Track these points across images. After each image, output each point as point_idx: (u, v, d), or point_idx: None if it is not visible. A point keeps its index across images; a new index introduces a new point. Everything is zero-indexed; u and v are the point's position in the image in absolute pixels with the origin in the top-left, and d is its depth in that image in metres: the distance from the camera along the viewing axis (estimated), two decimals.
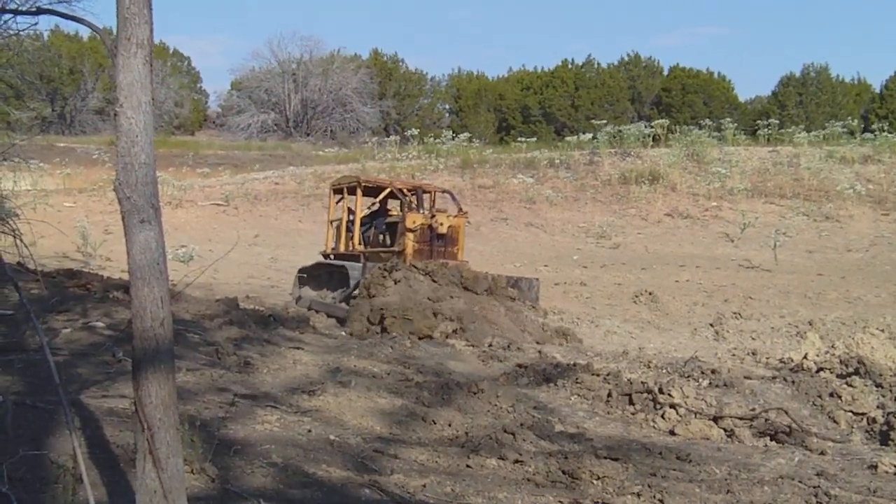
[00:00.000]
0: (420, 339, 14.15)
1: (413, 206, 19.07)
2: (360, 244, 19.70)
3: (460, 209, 19.65)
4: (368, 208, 20.82)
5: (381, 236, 20.13)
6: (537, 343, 15.03)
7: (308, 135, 76.77)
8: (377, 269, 16.58)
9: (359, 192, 19.75)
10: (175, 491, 4.14)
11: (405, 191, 19.65)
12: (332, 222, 21.15)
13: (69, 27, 79.17)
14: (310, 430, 7.34)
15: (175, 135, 71.19)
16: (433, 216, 18.70)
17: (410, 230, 18.41)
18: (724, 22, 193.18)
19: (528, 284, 18.77)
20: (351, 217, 20.14)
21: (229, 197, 37.17)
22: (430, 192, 20.39)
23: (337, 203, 21.04)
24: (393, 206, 20.66)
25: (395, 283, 16.05)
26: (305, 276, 20.39)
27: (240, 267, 24.63)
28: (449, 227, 18.83)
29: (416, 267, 16.73)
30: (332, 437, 7.27)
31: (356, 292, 17.37)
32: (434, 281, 16.39)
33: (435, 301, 15.65)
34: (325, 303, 18.53)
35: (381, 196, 20.26)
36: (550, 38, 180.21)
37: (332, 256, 20.40)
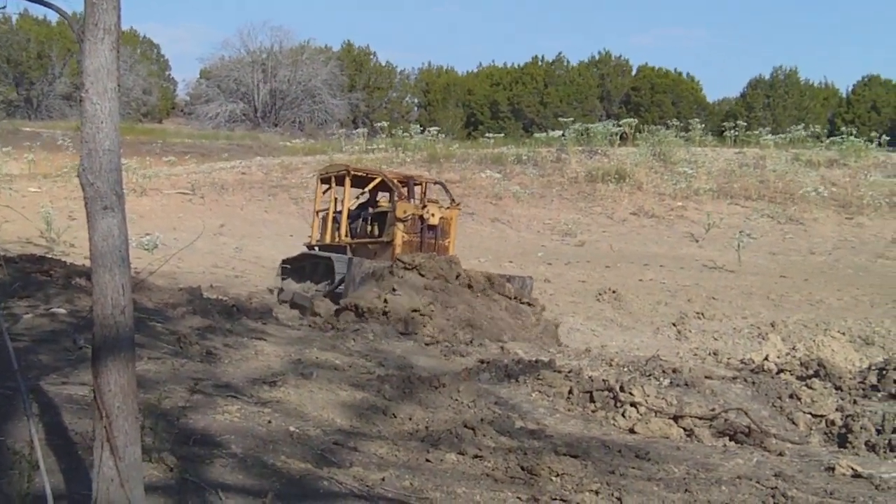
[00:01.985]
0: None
1: (404, 196, 18.52)
2: (346, 235, 19.21)
3: (453, 200, 19.17)
4: (356, 198, 20.43)
5: (369, 227, 19.55)
6: (541, 347, 14.68)
7: (276, 125, 76.60)
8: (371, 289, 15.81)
9: (347, 181, 19.32)
10: (132, 479, 4.13)
11: (396, 181, 19.07)
12: (318, 212, 20.69)
13: (38, 11, 78.84)
14: (270, 422, 7.33)
15: (142, 122, 70.95)
16: (424, 206, 18.21)
17: (400, 220, 17.85)
18: (698, 24, 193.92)
19: (521, 283, 17.99)
20: (338, 207, 19.66)
21: (195, 186, 37.08)
22: (421, 184, 19.89)
23: (324, 193, 20.62)
24: (382, 197, 20.09)
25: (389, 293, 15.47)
26: (288, 267, 19.93)
27: (204, 256, 24.58)
28: (441, 218, 18.30)
29: (401, 261, 16.15)
30: (292, 428, 7.26)
31: (340, 287, 17.18)
32: (421, 275, 15.85)
33: (427, 304, 15.07)
34: (309, 297, 17.93)
35: (369, 186, 19.75)
36: (521, 35, 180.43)
37: (317, 248, 19.94)
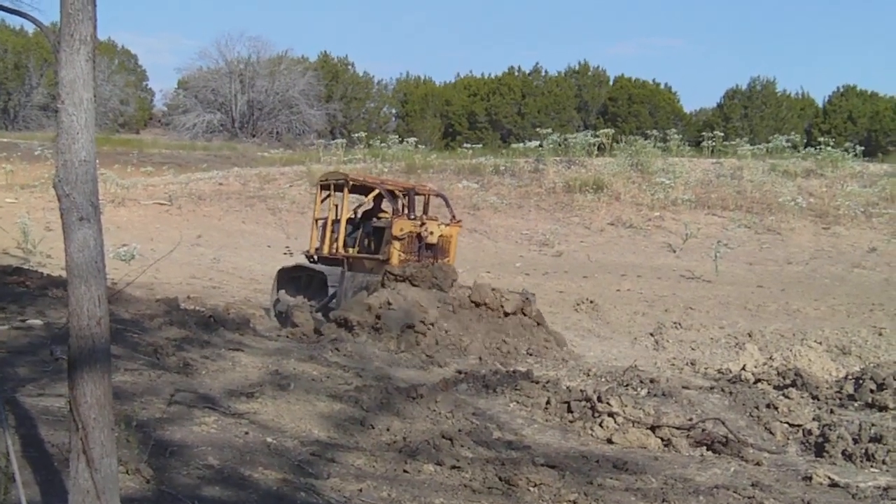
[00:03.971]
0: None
1: (403, 210, 17.91)
2: (343, 248, 18.40)
3: (453, 217, 18.56)
4: (353, 211, 19.54)
5: (366, 240, 18.67)
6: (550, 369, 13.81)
7: (254, 136, 76.49)
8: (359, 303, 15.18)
9: (345, 190, 18.58)
10: (108, 491, 4.11)
11: (396, 192, 18.48)
12: (317, 221, 19.69)
13: (14, 22, 78.60)
14: (247, 433, 7.32)
15: (120, 133, 70.75)
16: (423, 224, 17.45)
17: (397, 238, 17.13)
18: (675, 34, 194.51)
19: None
20: (338, 216, 18.84)
21: (173, 196, 37.02)
22: (423, 195, 19.18)
23: (322, 201, 19.72)
24: (387, 206, 19.11)
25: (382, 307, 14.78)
26: (285, 278, 19.15)
27: (182, 267, 24.51)
28: (440, 236, 17.65)
29: (392, 273, 15.73)
30: (269, 440, 7.25)
31: (332, 303, 16.86)
32: (414, 285, 15.40)
33: (428, 323, 14.38)
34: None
35: (369, 197, 18.90)
36: (499, 46, 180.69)
37: (315, 258, 19.17)
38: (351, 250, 18.56)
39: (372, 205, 19.27)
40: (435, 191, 20.21)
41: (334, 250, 18.55)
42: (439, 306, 15.17)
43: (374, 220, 18.90)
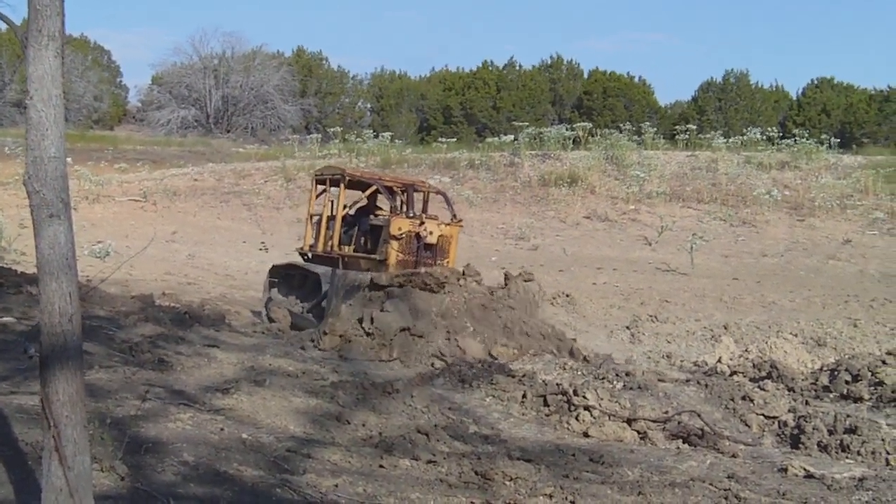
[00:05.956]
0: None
1: (401, 208, 17.47)
2: (339, 245, 17.67)
3: (454, 216, 17.84)
4: (347, 207, 18.62)
5: (363, 238, 17.92)
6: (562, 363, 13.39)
7: (228, 131, 76.28)
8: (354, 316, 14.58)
9: (342, 185, 17.93)
10: (82, 489, 4.10)
11: (394, 189, 18.04)
12: (312, 216, 19.11)
13: None
14: (223, 429, 7.30)
15: (94, 129, 70.40)
16: (422, 223, 16.75)
17: (395, 238, 16.48)
18: (651, 27, 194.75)
19: None
20: (333, 212, 18.03)
21: (148, 193, 36.91)
22: (422, 192, 18.59)
23: (318, 196, 19.07)
24: (383, 202, 18.75)
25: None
26: (277, 277, 18.74)
27: (157, 264, 24.41)
28: (439, 236, 16.92)
29: (378, 284, 14.90)
30: (244, 436, 7.23)
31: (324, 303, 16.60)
32: (401, 286, 14.55)
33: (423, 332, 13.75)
34: (298, 314, 17.24)
35: (366, 193, 18.47)
36: (473, 40, 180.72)
37: (309, 256, 18.60)
38: (346, 248, 17.94)
39: (367, 201, 18.82)
40: (435, 188, 19.55)
41: (329, 248, 17.96)
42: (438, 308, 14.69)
43: (371, 217, 18.34)
